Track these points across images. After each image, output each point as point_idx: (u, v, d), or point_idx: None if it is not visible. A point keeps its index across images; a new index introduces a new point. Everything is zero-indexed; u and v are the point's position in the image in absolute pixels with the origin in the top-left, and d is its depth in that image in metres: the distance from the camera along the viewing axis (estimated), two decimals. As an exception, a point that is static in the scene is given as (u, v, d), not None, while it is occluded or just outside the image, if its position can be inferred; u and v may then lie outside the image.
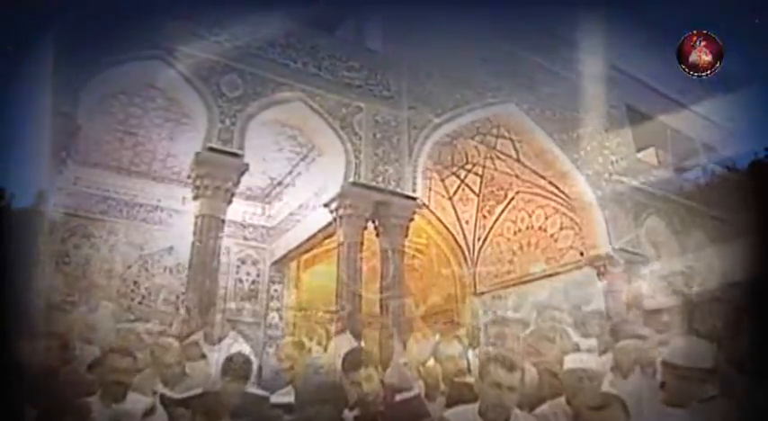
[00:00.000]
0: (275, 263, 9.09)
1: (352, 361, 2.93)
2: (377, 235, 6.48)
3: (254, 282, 8.98)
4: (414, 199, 6.58)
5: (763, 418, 2.38)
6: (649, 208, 9.19)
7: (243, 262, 9.01)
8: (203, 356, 4.17)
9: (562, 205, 9.37)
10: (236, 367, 3.18)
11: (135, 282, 8.16)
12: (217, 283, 5.46)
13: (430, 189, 10.71)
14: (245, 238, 9.12)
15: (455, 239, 11.08)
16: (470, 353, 5.07)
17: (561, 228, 9.54)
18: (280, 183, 8.66)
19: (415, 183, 6.66)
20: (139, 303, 8.00)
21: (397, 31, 7.23)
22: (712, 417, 2.40)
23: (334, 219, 6.30)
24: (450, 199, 10.76)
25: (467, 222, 10.95)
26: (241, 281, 8.88)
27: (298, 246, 8.34)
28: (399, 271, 6.34)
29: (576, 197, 8.62)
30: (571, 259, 9.21)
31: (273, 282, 9.05)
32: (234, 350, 4.55)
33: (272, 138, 7.31)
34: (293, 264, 9.44)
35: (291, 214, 8.59)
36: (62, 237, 7.92)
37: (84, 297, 7.38)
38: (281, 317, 8.65)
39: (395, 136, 6.73)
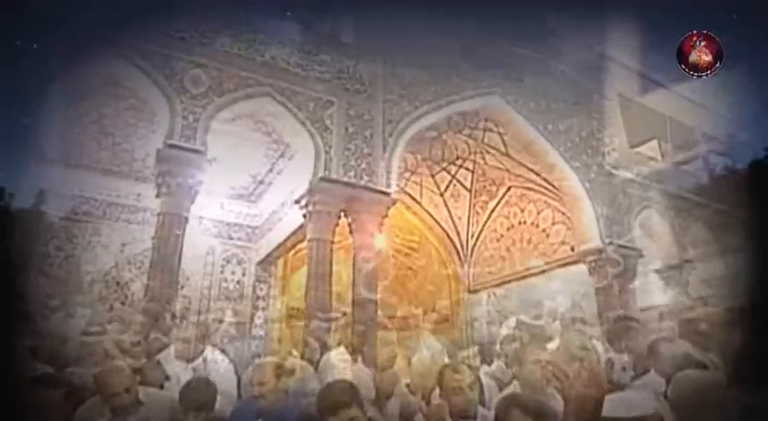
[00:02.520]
0: (261, 262, 9.00)
1: (328, 400, 2.25)
2: (350, 231, 6.33)
3: (239, 281, 8.90)
4: (387, 194, 6.41)
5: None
6: (644, 201, 8.89)
7: (228, 261, 8.94)
8: (168, 378, 3.68)
9: (554, 199, 9.12)
10: (193, 395, 2.74)
11: (118, 283, 8.13)
12: (177, 287, 5.28)
13: (421, 185, 10.56)
14: (231, 237, 9.05)
15: (448, 236, 10.87)
16: (484, 368, 4.65)
17: (553, 223, 9.28)
18: (262, 182, 8.56)
19: (389, 178, 6.50)
20: (122, 303, 7.96)
21: (371, 23, 7.06)
22: None
23: (304, 216, 6.16)
24: (441, 195, 10.56)
25: (459, 218, 10.75)
26: (226, 280, 8.81)
27: (279, 245, 8.24)
28: (374, 269, 6.17)
29: (566, 190, 8.36)
30: (563, 255, 8.95)
31: (260, 282, 8.95)
32: (211, 366, 4.05)
33: (248, 135, 7.19)
34: (281, 264, 9.34)
35: (274, 212, 8.49)
36: (44, 239, 7.96)
37: (67, 301, 7.36)
38: (266, 321, 8.45)
39: (368, 130, 6.58)
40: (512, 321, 9.15)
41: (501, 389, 3.57)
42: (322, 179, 6.07)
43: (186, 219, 5.51)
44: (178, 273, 5.33)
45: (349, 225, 6.30)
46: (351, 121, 6.51)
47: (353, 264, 6.14)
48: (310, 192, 6.06)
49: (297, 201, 6.29)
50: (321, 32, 6.72)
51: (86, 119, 6.98)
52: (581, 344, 3.69)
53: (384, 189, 6.39)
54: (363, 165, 6.38)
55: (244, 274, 8.96)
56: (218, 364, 4.17)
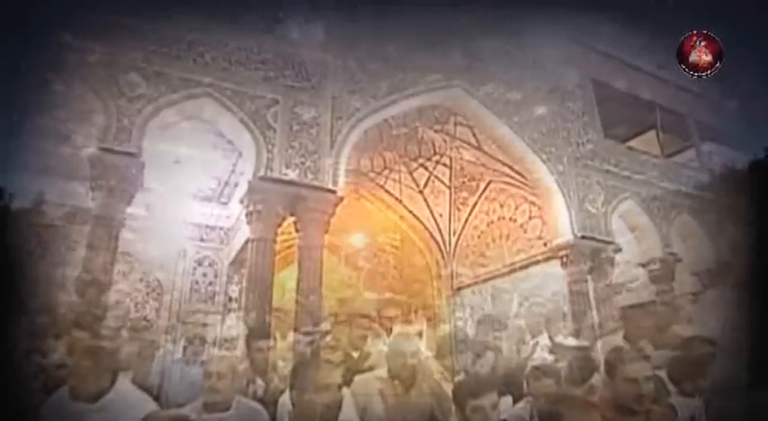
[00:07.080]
0: (233, 263, 8.98)
1: None
2: (296, 230, 6.23)
3: (210, 283, 8.90)
4: (333, 192, 6.28)
5: None
6: (623, 192, 8.51)
7: (200, 263, 8.95)
8: None
9: (531, 193, 8.83)
10: None
11: (89, 287, 8.19)
12: (105, 303, 5.16)
13: (400, 183, 10.41)
14: (203, 240, 9.05)
15: (430, 233, 10.67)
16: (504, 403, 3.39)
17: (530, 218, 9.01)
18: (228, 183, 8.54)
19: (336, 176, 6.36)
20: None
21: (320, 19, 6.93)
22: None
23: (246, 216, 6.09)
24: (420, 192, 10.37)
25: (441, 215, 10.53)
26: (197, 283, 8.82)
27: (244, 246, 8.18)
28: (319, 271, 6.01)
29: (537, 183, 8.08)
30: (539, 250, 8.66)
31: (231, 283, 8.93)
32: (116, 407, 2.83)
33: (202, 136, 7.15)
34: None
35: (241, 213, 8.44)
36: (20, 243, 8.08)
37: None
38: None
39: (314, 127, 6.45)
40: (543, 339, 7.44)
41: None
42: (262, 178, 5.98)
43: (121, 223, 5.50)
44: (111, 280, 5.31)
45: (294, 224, 6.20)
46: (296, 119, 6.39)
47: (298, 267, 6.02)
48: (250, 191, 5.98)
49: (240, 201, 6.23)
50: (265, 30, 6.62)
51: (38, 123, 7.04)
52: (645, 393, 2.57)
53: (330, 187, 6.25)
54: (308, 163, 6.26)
55: (216, 276, 8.96)
56: (127, 402, 2.90)
